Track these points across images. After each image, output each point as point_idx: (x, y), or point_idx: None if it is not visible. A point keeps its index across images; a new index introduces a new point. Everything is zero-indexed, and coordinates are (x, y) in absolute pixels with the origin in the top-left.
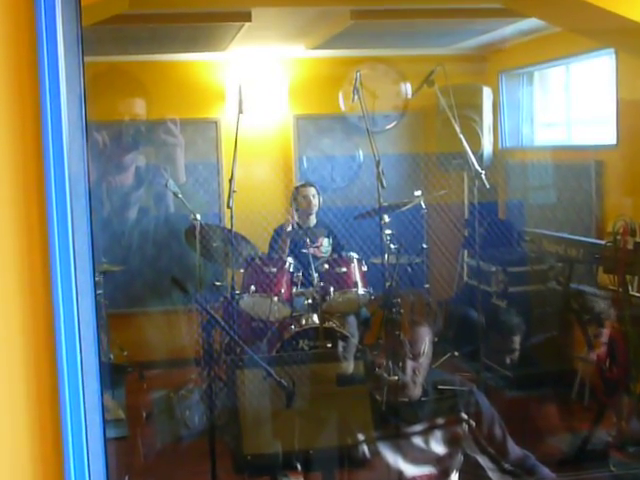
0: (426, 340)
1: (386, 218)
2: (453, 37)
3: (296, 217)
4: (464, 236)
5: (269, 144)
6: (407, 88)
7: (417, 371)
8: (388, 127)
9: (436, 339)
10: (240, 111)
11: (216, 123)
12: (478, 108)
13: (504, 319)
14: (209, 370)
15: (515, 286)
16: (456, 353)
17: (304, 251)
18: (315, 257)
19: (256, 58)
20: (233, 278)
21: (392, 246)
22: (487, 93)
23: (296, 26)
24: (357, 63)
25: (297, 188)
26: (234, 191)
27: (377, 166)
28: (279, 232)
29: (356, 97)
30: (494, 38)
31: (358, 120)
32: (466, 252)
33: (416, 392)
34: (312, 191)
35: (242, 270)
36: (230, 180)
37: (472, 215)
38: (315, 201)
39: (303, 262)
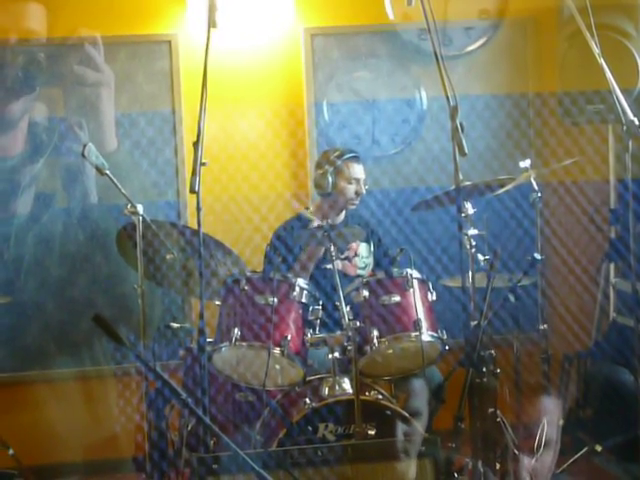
0: (545, 423)
1: (469, 208)
2: None
3: (313, 208)
4: (609, 240)
5: (263, 80)
6: None
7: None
8: (471, 48)
9: (562, 422)
10: (212, 24)
11: (169, 43)
12: (633, 11)
13: None
14: None
15: None
16: (598, 447)
17: (327, 267)
18: (345, 275)
19: None
20: (202, 316)
21: (481, 257)
22: None
23: None
24: None
25: (329, 158)
26: (203, 164)
27: (452, 117)
28: (282, 236)
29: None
30: None
31: (418, 37)
32: (613, 267)
33: None
34: (360, 170)
35: (217, 302)
36: (195, 144)
37: (623, 202)
38: (361, 186)
39: (325, 286)
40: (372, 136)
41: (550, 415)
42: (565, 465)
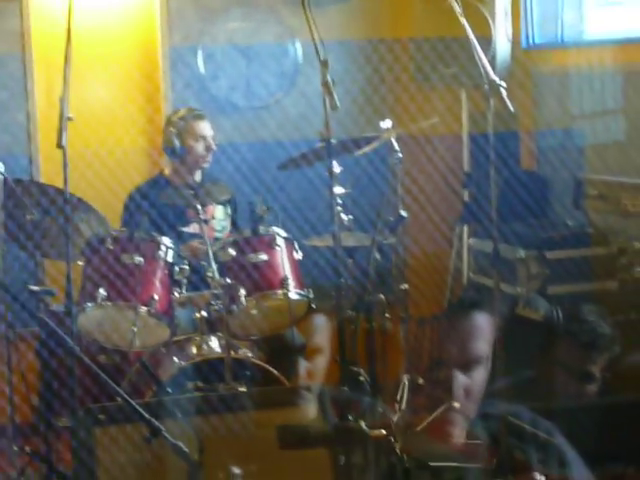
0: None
1: (336, 167)
2: None
3: (168, 171)
4: (463, 201)
5: (119, 37)
6: None
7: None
8: None
9: None
10: None
11: (20, 1)
12: None
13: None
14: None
15: (561, 283)
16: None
17: (185, 230)
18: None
19: None
20: (68, 277)
21: (345, 217)
22: None
23: None
24: None
25: (173, 120)
26: (69, 118)
27: (323, 70)
28: (137, 198)
29: None
30: None
31: None
32: (466, 229)
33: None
34: (206, 127)
35: (81, 262)
36: (61, 99)
37: (478, 162)
38: (210, 143)
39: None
40: (236, 87)
41: (482, 332)
42: (425, 423)
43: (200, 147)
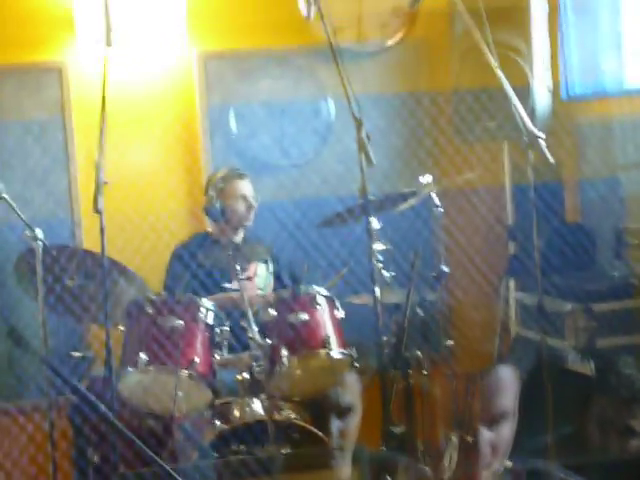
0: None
1: (375, 223)
2: None
3: (212, 228)
4: (508, 254)
5: (157, 103)
6: None
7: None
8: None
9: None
10: (108, 42)
11: (59, 71)
12: (523, 28)
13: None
14: None
15: (609, 336)
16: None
17: (228, 286)
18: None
19: None
20: (107, 343)
21: (386, 273)
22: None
23: None
24: None
25: (213, 181)
26: (105, 182)
27: (358, 128)
28: (183, 254)
29: (313, 9)
30: None
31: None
32: (513, 282)
33: None
34: (247, 186)
35: (121, 327)
36: (97, 164)
37: (521, 215)
38: (252, 203)
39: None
40: (273, 149)
41: (506, 386)
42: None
43: (241, 206)
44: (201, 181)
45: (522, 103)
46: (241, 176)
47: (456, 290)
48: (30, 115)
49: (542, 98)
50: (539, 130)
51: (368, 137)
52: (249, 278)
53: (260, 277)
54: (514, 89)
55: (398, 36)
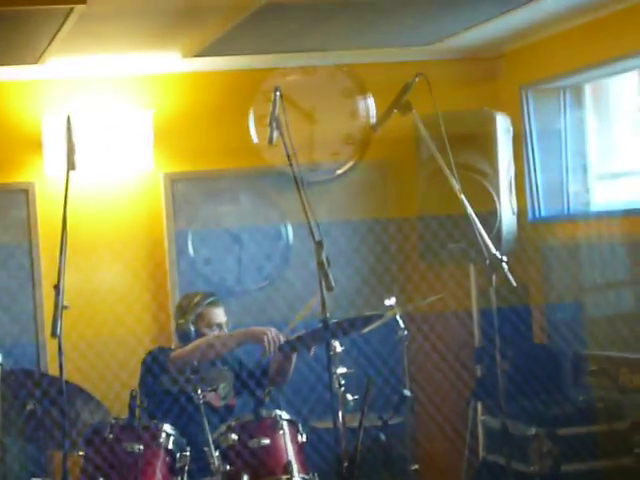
0: None
1: (337, 346)
2: (440, 27)
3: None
4: (475, 377)
5: (123, 225)
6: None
7: None
8: (340, 172)
9: None
10: (71, 166)
11: (27, 192)
12: (489, 151)
13: None
14: None
15: (574, 461)
16: None
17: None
18: (212, 408)
19: (94, 76)
20: (64, 469)
21: (349, 396)
22: (503, 124)
23: (165, 16)
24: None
25: (190, 306)
26: (64, 307)
27: (318, 250)
28: (156, 360)
29: (275, 135)
30: (509, 27)
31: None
32: (480, 405)
33: None
34: (221, 314)
35: (80, 452)
36: (56, 288)
37: (487, 338)
38: (225, 330)
39: (191, 428)
40: (237, 274)
41: None
42: None
43: (215, 333)
44: (167, 304)
45: (488, 226)
46: (216, 303)
47: (422, 414)
48: None
49: (508, 220)
50: (505, 253)
51: (328, 261)
52: (214, 390)
53: (222, 386)
54: (480, 212)
55: (349, 165)
